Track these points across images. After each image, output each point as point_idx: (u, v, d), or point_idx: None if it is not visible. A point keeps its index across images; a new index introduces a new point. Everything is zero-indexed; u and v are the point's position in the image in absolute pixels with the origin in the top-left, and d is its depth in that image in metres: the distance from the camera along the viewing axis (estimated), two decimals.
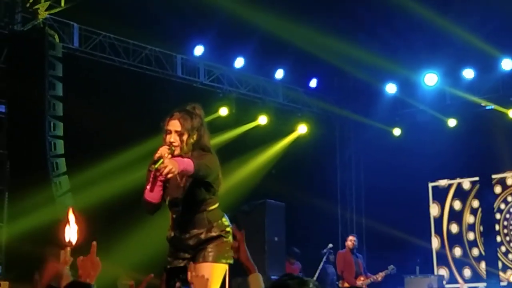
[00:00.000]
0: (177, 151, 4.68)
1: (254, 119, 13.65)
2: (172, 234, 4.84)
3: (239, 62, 13.03)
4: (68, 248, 3.26)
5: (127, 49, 11.80)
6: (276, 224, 11.29)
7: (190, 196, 4.76)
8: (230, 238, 4.81)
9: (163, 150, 4.56)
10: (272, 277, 10.72)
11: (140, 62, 11.95)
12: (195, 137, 4.76)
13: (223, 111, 13.06)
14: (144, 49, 11.98)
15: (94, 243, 3.28)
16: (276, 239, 11.19)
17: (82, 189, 10.14)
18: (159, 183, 4.66)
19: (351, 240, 12.03)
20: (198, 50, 12.51)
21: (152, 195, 4.69)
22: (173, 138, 4.68)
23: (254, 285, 3.15)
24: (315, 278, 11.16)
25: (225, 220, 4.86)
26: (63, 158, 10.25)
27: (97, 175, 10.11)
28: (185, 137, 4.71)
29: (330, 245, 11.86)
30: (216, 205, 4.89)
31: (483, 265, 13.64)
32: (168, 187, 4.76)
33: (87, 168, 10.02)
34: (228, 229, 4.85)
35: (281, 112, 14.08)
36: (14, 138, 10.29)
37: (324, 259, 11.60)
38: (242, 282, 10.82)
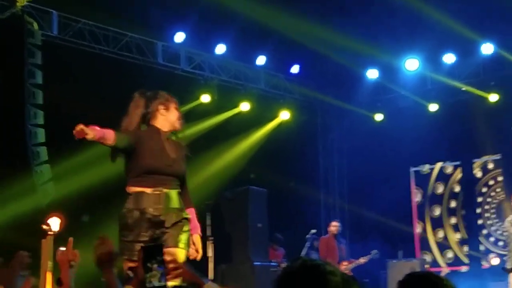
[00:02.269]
0: (174, 128, 5.26)
1: (236, 105, 13.63)
2: (136, 212, 4.99)
3: (220, 49, 12.97)
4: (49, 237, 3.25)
5: (107, 36, 11.71)
6: (259, 211, 11.30)
7: (176, 170, 5.12)
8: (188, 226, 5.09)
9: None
10: (255, 263, 10.75)
11: (121, 49, 11.86)
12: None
13: (205, 98, 13.01)
14: (124, 36, 11.89)
15: (71, 239, 3.26)
16: (259, 225, 11.20)
17: (63, 178, 10.09)
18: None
19: (334, 226, 12.08)
20: (179, 37, 12.44)
21: (108, 135, 4.82)
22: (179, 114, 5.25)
23: None
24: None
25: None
26: (44, 147, 10.19)
27: (78, 164, 10.05)
28: (170, 114, 5.32)
29: (313, 231, 11.90)
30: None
31: (465, 248, 13.75)
32: (153, 154, 5.02)
33: (68, 156, 9.95)
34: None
35: (263, 99, 14.05)
36: None
37: (308, 244, 11.64)
38: (226, 269, 10.84)
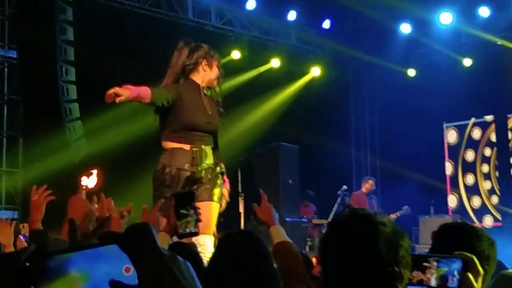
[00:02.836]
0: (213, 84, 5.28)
1: (266, 61, 13.54)
2: (173, 168, 5.04)
3: (251, 4, 12.85)
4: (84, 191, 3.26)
5: None
6: (290, 167, 11.30)
7: (213, 127, 5.24)
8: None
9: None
10: (287, 219, 10.79)
11: (151, 5, 11.81)
12: None
13: (235, 54, 12.95)
14: None
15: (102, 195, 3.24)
16: (290, 181, 11.21)
17: (95, 134, 10.16)
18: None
19: (370, 184, 12.00)
20: None
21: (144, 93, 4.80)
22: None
23: (275, 237, 3.18)
24: (329, 220, 11.22)
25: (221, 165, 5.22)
26: (76, 103, 10.26)
27: (110, 120, 10.10)
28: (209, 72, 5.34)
29: (344, 187, 11.88)
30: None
31: (494, 199, 13.63)
32: (194, 109, 5.07)
33: (100, 113, 10.00)
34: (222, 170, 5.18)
35: (293, 55, 13.94)
36: (27, 83, 10.28)
37: (339, 200, 11.64)
38: (257, 225, 10.89)
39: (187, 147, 4.92)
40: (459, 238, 2.42)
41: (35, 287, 1.09)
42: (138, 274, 1.09)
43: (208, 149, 5.00)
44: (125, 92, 4.55)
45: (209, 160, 4.98)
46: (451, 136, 14.31)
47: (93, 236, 2.44)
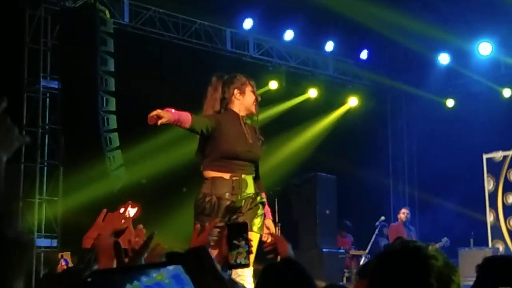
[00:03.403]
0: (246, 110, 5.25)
1: (304, 92, 13.58)
2: (213, 197, 5.04)
3: (288, 35, 12.94)
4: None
5: (177, 23, 11.83)
6: (327, 197, 11.26)
7: (253, 156, 5.19)
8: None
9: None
10: (324, 250, 10.73)
11: (190, 36, 11.97)
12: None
13: (273, 85, 13.01)
14: (193, 23, 11.99)
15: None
16: (327, 212, 11.16)
17: (135, 164, 10.26)
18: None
19: (404, 213, 11.97)
20: (248, 23, 12.46)
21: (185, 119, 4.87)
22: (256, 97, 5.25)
23: None
24: (367, 251, 11.13)
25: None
26: (116, 133, 10.38)
27: (149, 150, 10.21)
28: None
29: (383, 218, 11.81)
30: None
31: None
32: (234, 138, 5.09)
33: (139, 142, 10.12)
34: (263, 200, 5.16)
35: (331, 85, 13.97)
36: (68, 113, 10.46)
37: (377, 231, 11.55)
38: (294, 255, 10.85)
39: (227, 176, 4.94)
40: (504, 271, 2.39)
41: None
42: None
43: (249, 179, 5.01)
44: (167, 114, 4.62)
45: (250, 190, 4.99)
46: (496, 154, 14.00)
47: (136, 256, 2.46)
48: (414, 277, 1.68)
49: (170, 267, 1.15)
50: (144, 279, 1.14)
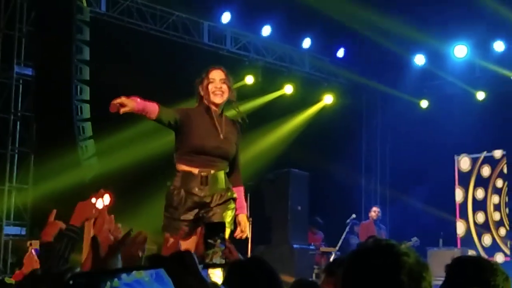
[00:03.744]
0: (222, 99, 5.05)
1: (280, 88, 13.59)
2: (182, 192, 4.99)
3: (266, 30, 12.94)
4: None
5: (154, 14, 11.76)
6: (299, 193, 11.28)
7: (225, 151, 5.07)
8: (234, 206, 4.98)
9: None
10: (295, 246, 10.76)
11: (167, 28, 11.90)
12: (234, 94, 4.96)
13: (249, 79, 13.01)
14: (171, 15, 11.93)
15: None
16: (299, 208, 11.19)
17: (107, 154, 10.20)
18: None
19: (375, 211, 12.04)
20: (226, 17, 12.44)
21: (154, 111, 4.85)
22: (218, 84, 4.89)
23: None
24: (337, 248, 11.17)
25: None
26: (89, 122, 10.31)
27: (122, 140, 10.15)
28: (230, 83, 4.98)
29: (354, 216, 11.87)
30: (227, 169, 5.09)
31: (502, 231, 13.51)
32: (204, 133, 4.98)
33: (112, 133, 10.05)
34: (234, 196, 5.12)
35: (307, 82, 13.99)
36: (41, 101, 10.35)
37: (347, 229, 11.61)
38: (265, 251, 10.86)
39: (196, 170, 4.92)
40: (474, 272, 2.40)
41: None
42: None
43: (219, 174, 4.96)
44: (131, 103, 4.56)
45: (220, 185, 4.95)
46: (464, 163, 14.19)
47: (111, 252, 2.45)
48: (386, 274, 1.69)
49: (151, 270, 1.16)
50: (123, 276, 1.15)
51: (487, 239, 13.78)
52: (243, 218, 5.12)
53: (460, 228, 14.05)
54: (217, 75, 5.02)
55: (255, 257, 2.82)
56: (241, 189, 5.16)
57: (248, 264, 2.53)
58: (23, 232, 10.11)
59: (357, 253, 1.82)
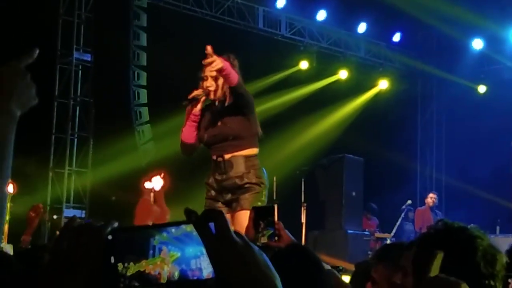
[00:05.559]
0: (211, 96, 4.91)
1: (334, 73, 13.53)
2: (211, 177, 5.02)
3: (321, 15, 12.89)
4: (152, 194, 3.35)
5: (210, 0, 11.83)
6: (354, 179, 11.25)
7: (227, 135, 4.93)
8: (265, 192, 4.94)
9: (197, 92, 4.74)
10: (349, 231, 10.75)
11: (222, 13, 11.97)
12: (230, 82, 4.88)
13: (304, 65, 12.99)
14: (226, 0, 11.98)
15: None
16: (354, 194, 11.16)
17: (164, 138, 10.33)
18: (193, 123, 4.90)
19: (431, 198, 11.92)
20: (280, 2, 12.43)
21: (187, 135, 4.95)
22: (208, 83, 4.85)
23: None
24: (392, 234, 11.12)
25: (262, 172, 5.00)
26: (146, 107, 10.46)
27: (178, 125, 10.23)
28: (220, 81, 4.85)
29: (409, 202, 11.77)
30: (254, 151, 5.00)
31: None
32: (205, 127, 4.89)
33: (168, 117, 10.17)
34: (263, 181, 4.98)
35: (362, 67, 13.89)
36: (99, 86, 10.54)
37: (403, 215, 11.52)
38: (319, 236, 10.88)
39: (214, 157, 5.00)
40: None
41: (115, 259, 1.16)
42: (210, 258, 1.13)
43: (235, 158, 4.92)
44: (221, 62, 4.57)
45: (237, 169, 4.94)
46: None
47: None
48: (460, 257, 1.67)
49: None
50: (172, 230, 1.17)
51: None
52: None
53: None
54: (208, 72, 4.90)
55: (295, 245, 2.82)
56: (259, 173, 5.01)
57: (289, 252, 2.53)
58: (82, 215, 10.35)
59: (428, 235, 1.82)
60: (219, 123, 4.99)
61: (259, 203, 4.89)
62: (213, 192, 5.03)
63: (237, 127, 4.95)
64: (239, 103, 4.93)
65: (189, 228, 1.15)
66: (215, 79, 4.90)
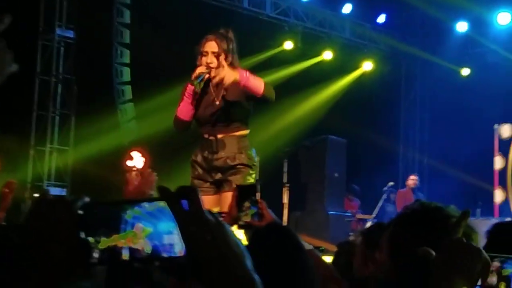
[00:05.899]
0: (212, 73, 4.84)
1: (319, 54, 13.50)
2: (199, 156, 4.98)
3: None
4: (133, 172, 3.32)
5: None
6: (337, 160, 11.28)
7: (223, 116, 4.90)
8: (255, 173, 4.93)
9: (201, 69, 4.69)
10: (331, 212, 10.78)
11: None
12: (230, 58, 4.84)
13: (288, 45, 12.95)
14: None
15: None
16: (336, 175, 11.19)
17: (146, 117, 10.29)
18: (191, 100, 4.86)
19: (412, 179, 11.98)
20: None
21: (184, 112, 4.88)
22: (209, 59, 4.80)
23: None
24: (373, 215, 11.18)
25: (253, 153, 5.00)
26: (129, 86, 10.40)
27: (161, 104, 10.21)
28: (221, 57, 4.83)
29: (391, 183, 11.82)
30: (246, 131, 5.02)
31: None
32: (201, 104, 4.85)
33: (151, 96, 10.13)
34: (254, 162, 4.97)
35: (347, 48, 13.87)
36: (82, 63, 10.46)
37: (384, 197, 11.58)
38: (300, 217, 10.91)
39: (206, 135, 4.96)
40: None
41: (86, 234, 1.15)
42: (181, 235, 1.12)
43: (227, 138, 4.91)
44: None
45: (229, 149, 4.92)
46: (505, 131, 13.84)
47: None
48: (436, 236, 1.68)
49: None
50: (145, 205, 1.16)
51: None
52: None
53: (498, 196, 13.86)
54: (209, 47, 4.86)
55: (275, 224, 2.81)
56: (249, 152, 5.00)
57: (268, 231, 2.52)
58: (64, 193, 10.29)
59: (405, 215, 1.82)
60: (216, 103, 4.93)
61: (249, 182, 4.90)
62: (200, 171, 4.97)
63: (234, 110, 4.91)
64: (243, 95, 4.89)
65: (163, 203, 1.14)
66: (216, 55, 4.85)
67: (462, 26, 13.60)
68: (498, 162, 13.80)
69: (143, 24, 10.41)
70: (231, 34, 4.99)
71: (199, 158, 4.99)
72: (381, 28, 14.17)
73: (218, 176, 4.94)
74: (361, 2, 13.29)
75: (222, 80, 4.81)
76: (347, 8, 13.37)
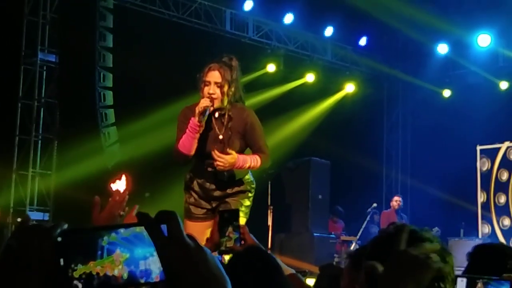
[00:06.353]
0: (216, 104, 4.72)
1: (301, 76, 13.57)
2: (195, 182, 4.91)
3: (288, 18, 12.92)
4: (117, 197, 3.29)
5: (177, 2, 11.78)
6: (320, 182, 11.30)
7: (226, 150, 4.78)
8: (252, 196, 4.93)
9: (205, 102, 4.62)
10: (315, 234, 10.78)
11: (189, 15, 11.93)
12: (233, 89, 4.77)
13: (271, 68, 13.00)
14: (193, 2, 11.95)
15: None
16: (320, 197, 11.20)
17: (129, 140, 10.27)
18: (195, 135, 4.71)
19: (396, 201, 12.02)
20: (248, 5, 12.43)
21: (187, 147, 4.74)
22: (212, 89, 4.70)
23: None
24: (357, 237, 11.18)
25: (251, 177, 5.00)
26: (112, 109, 10.38)
27: (144, 127, 10.21)
28: (225, 88, 4.73)
29: (375, 205, 11.86)
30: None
31: None
32: (202, 137, 4.77)
33: (135, 119, 10.11)
34: (253, 185, 5.00)
35: (329, 70, 13.96)
36: (65, 87, 10.43)
37: (368, 218, 11.60)
38: (285, 239, 10.89)
39: (209, 169, 4.82)
40: (497, 259, 2.40)
41: (65, 261, 1.14)
42: (161, 260, 1.11)
43: (228, 171, 4.82)
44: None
45: (230, 180, 4.88)
46: (484, 164, 13.97)
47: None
48: None
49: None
50: (121, 230, 1.16)
51: (506, 221, 13.54)
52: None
53: (485, 229, 13.73)
54: (212, 77, 4.71)
55: (254, 247, 2.82)
56: (256, 156, 4.90)
57: (247, 254, 2.53)
58: (46, 218, 10.22)
59: (379, 238, 1.83)
60: (220, 137, 4.81)
61: (245, 206, 4.88)
62: (196, 197, 4.89)
63: (237, 143, 4.83)
64: (243, 116, 4.87)
65: (139, 229, 1.14)
66: (220, 86, 4.70)
67: (443, 48, 13.73)
68: (481, 197, 13.77)
69: (125, 48, 10.42)
70: (235, 63, 4.84)
71: (195, 185, 4.90)
72: (363, 51, 14.28)
73: (215, 203, 4.90)
74: (343, 25, 13.40)
75: (224, 113, 4.78)
76: (328, 31, 13.47)
